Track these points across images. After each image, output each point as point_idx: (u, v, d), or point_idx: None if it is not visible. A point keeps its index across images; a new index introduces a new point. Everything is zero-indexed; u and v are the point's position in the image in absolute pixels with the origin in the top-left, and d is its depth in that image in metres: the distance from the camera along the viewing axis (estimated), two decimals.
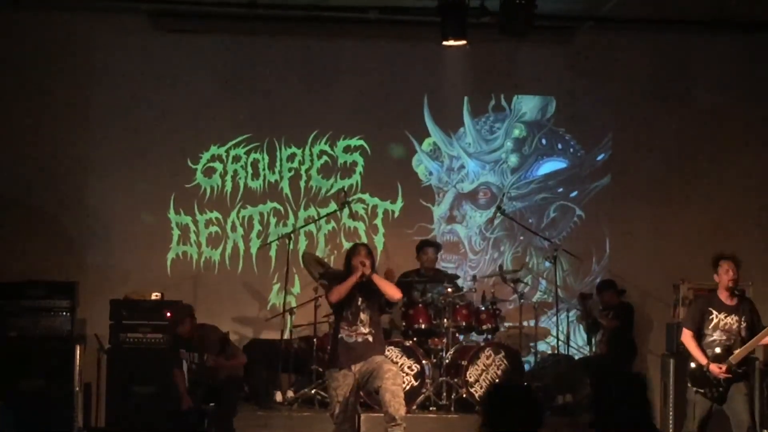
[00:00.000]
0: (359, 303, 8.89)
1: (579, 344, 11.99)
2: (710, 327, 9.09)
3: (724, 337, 9.06)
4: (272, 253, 12.06)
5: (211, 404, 9.67)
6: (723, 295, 9.12)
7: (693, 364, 9.13)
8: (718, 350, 9.02)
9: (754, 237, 12.04)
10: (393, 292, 8.98)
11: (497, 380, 10.57)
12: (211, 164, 12.15)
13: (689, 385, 9.21)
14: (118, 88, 11.99)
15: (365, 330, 8.86)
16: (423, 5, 11.07)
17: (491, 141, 12.43)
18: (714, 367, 8.95)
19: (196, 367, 9.78)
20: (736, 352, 8.97)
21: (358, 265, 8.83)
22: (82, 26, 11.91)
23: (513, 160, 12.44)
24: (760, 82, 12.27)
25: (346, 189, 12.11)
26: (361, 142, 12.27)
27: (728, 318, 9.08)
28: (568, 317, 11.78)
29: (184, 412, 9.71)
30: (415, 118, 12.28)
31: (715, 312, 9.10)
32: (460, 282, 11.56)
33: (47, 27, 11.83)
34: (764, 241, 12.03)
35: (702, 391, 9.07)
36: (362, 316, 8.88)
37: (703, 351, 9.08)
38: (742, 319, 9.06)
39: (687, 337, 9.18)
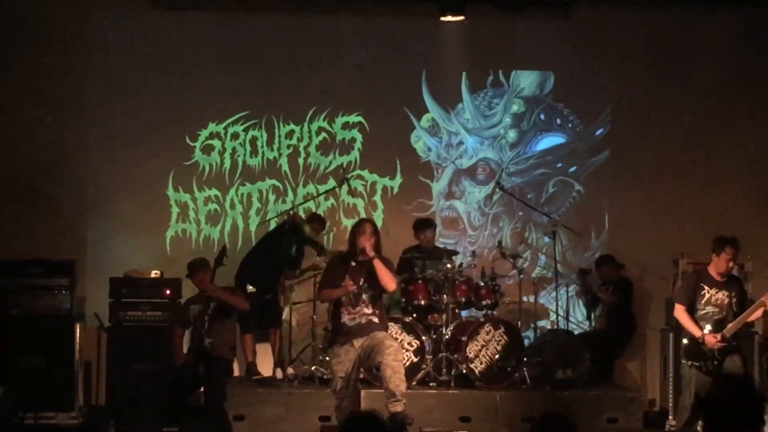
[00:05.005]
0: (361, 283, 8.88)
1: (578, 319, 12.02)
2: (702, 302, 9.25)
3: (716, 311, 9.21)
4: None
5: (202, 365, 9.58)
6: (713, 272, 9.25)
7: (686, 340, 9.28)
8: (709, 326, 9.12)
9: (753, 212, 12.04)
10: (389, 283, 8.87)
11: (496, 356, 10.60)
12: (210, 141, 12.14)
13: (684, 360, 9.32)
14: (116, 66, 11.96)
15: (368, 311, 8.86)
16: None
17: (490, 117, 12.41)
18: (709, 337, 9.09)
19: (196, 320, 9.66)
20: (730, 325, 9.12)
21: (347, 284, 8.81)
22: (80, 3, 11.87)
23: (512, 135, 12.42)
24: (760, 57, 12.23)
25: (344, 166, 12.12)
26: (360, 118, 12.24)
27: (719, 293, 9.26)
28: (567, 292, 11.79)
29: (181, 388, 9.62)
30: (413, 94, 12.26)
31: (706, 287, 9.26)
32: (459, 258, 11.56)
33: (44, 4, 11.79)
34: (763, 217, 12.01)
35: (697, 364, 9.17)
36: (364, 296, 8.87)
37: (697, 323, 9.19)
38: (732, 294, 9.22)
39: (680, 312, 9.33)
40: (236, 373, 11.30)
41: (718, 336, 9.07)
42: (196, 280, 9.86)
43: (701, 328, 9.16)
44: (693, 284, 9.38)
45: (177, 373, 9.62)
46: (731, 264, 9.25)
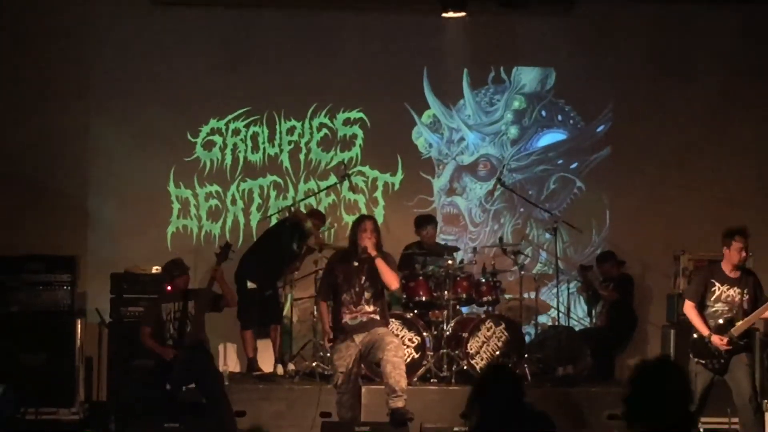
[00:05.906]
0: (363, 282, 8.83)
1: (579, 316, 12.02)
2: (712, 299, 9.08)
3: (726, 308, 9.05)
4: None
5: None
6: (727, 268, 9.10)
7: (695, 335, 9.14)
8: (720, 321, 9.02)
9: (754, 208, 12.02)
10: (391, 283, 8.86)
11: (497, 352, 10.59)
12: (211, 137, 12.14)
13: (691, 356, 9.22)
14: (117, 62, 11.96)
15: (370, 308, 8.81)
16: None
17: (491, 113, 12.41)
18: (716, 339, 8.95)
19: (179, 315, 9.57)
20: (738, 324, 8.96)
21: (327, 332, 8.83)
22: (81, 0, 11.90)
23: (513, 131, 12.42)
24: (761, 53, 12.22)
25: (345, 162, 12.11)
26: (361, 114, 12.24)
27: (731, 290, 9.07)
28: (568, 289, 11.79)
29: (175, 384, 9.55)
30: (414, 90, 12.25)
31: (717, 284, 9.09)
32: (460, 254, 11.56)
33: (45, 1, 11.80)
34: (764, 214, 12.00)
35: (703, 362, 9.08)
36: (366, 294, 8.82)
37: (705, 322, 9.08)
38: (745, 292, 9.04)
39: (689, 308, 9.17)
40: (237, 369, 11.35)
41: (725, 339, 8.94)
42: (182, 281, 9.75)
43: (709, 327, 9.06)
44: (703, 280, 9.20)
45: (169, 368, 9.50)
46: (744, 254, 9.05)
